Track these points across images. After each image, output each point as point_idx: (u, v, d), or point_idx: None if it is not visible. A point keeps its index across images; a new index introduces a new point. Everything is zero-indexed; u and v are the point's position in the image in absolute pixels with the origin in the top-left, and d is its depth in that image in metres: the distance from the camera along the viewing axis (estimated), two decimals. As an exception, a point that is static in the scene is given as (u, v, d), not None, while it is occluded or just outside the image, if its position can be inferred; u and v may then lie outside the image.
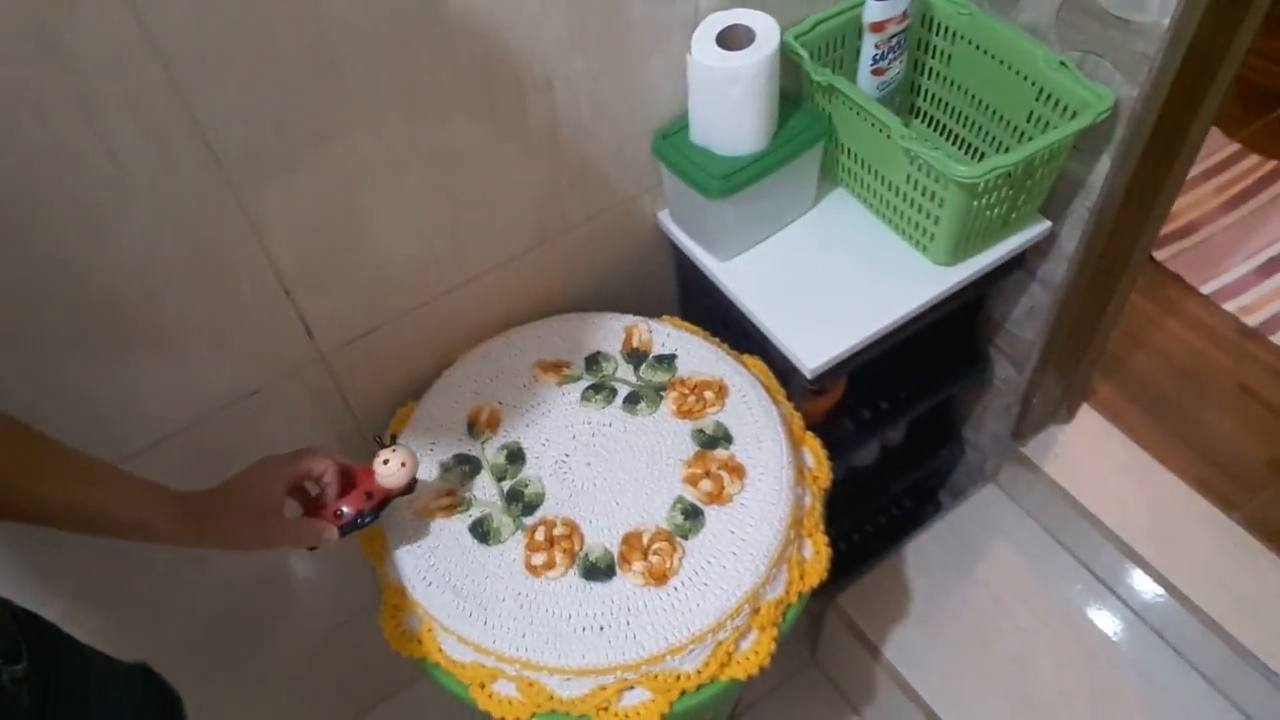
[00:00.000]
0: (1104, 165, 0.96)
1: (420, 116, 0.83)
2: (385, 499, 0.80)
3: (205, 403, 0.90)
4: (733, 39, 0.90)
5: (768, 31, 0.89)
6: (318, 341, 0.93)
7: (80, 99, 0.66)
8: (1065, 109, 0.91)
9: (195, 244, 0.79)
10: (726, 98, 0.89)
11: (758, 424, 0.92)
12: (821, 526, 0.91)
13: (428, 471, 0.91)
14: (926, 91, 1.08)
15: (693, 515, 0.86)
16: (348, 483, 0.80)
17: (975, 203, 0.91)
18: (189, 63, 0.69)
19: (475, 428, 0.94)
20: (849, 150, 1.01)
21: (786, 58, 0.94)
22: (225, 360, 0.88)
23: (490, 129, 0.88)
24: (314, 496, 0.80)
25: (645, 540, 0.84)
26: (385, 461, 0.79)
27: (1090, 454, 1.35)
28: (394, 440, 0.81)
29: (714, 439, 0.91)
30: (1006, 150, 1.00)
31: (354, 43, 0.75)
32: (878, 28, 0.95)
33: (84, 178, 0.70)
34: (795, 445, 0.93)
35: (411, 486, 0.81)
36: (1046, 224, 1.01)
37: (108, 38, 0.64)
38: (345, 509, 0.79)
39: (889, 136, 0.91)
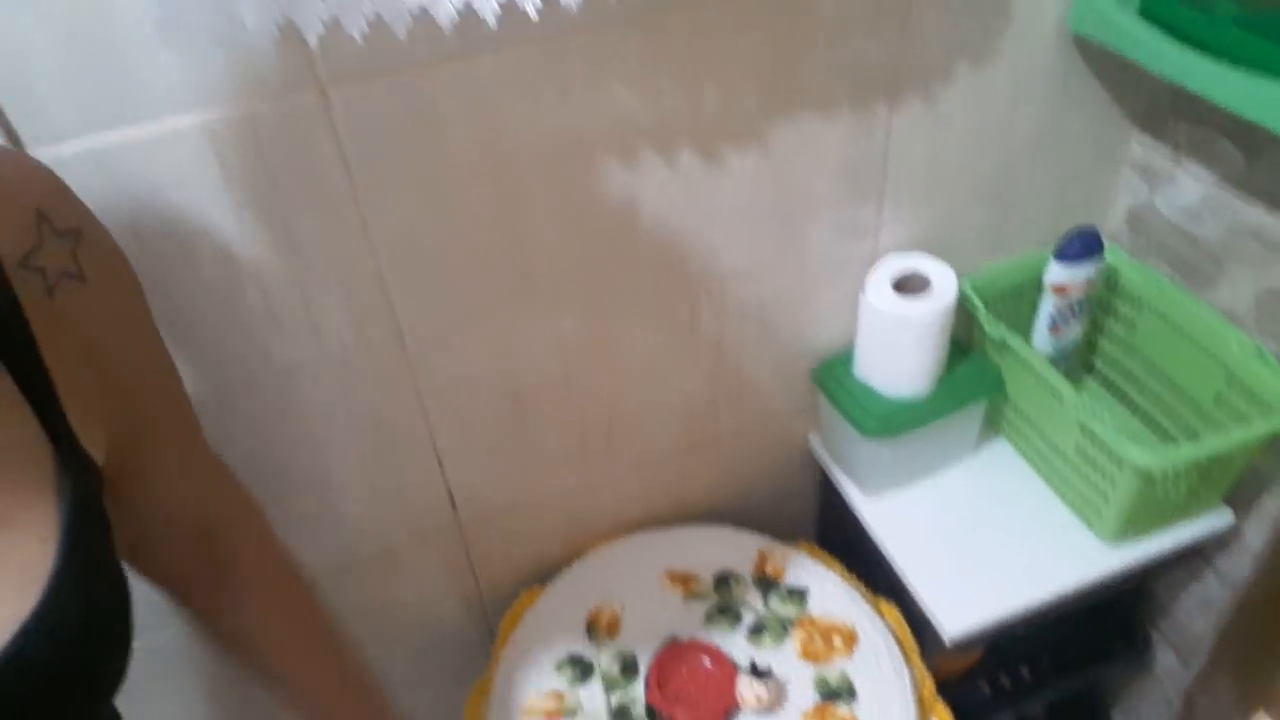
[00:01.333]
0: (1302, 464, 0.89)
1: (596, 319, 0.87)
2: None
3: (342, 555, 0.93)
4: (909, 283, 0.90)
5: (944, 282, 0.89)
6: (459, 513, 0.96)
7: (300, 280, 0.73)
8: (1258, 400, 0.86)
9: (369, 411, 0.84)
10: (895, 342, 0.89)
11: (886, 684, 0.86)
12: (943, 812, 0.83)
13: (539, 669, 0.90)
14: (1105, 352, 1.04)
15: (804, 773, 0.80)
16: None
17: (1152, 487, 0.85)
18: (398, 261, 0.75)
19: (594, 630, 0.93)
20: (1016, 406, 0.98)
21: (960, 305, 0.93)
22: (371, 519, 0.92)
23: (659, 337, 0.91)
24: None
25: (749, 791, 0.79)
26: (757, 696, 0.84)
27: (1264, 770, 1.19)
28: (769, 674, 0.85)
29: (837, 692, 0.86)
30: (1189, 430, 0.94)
31: (549, 260, 0.80)
32: (1060, 290, 0.94)
33: (288, 346, 0.76)
34: (923, 713, 0.86)
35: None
36: (1229, 516, 0.94)
37: (336, 233, 0.71)
38: None
39: (1061, 403, 0.87)
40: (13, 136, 0.60)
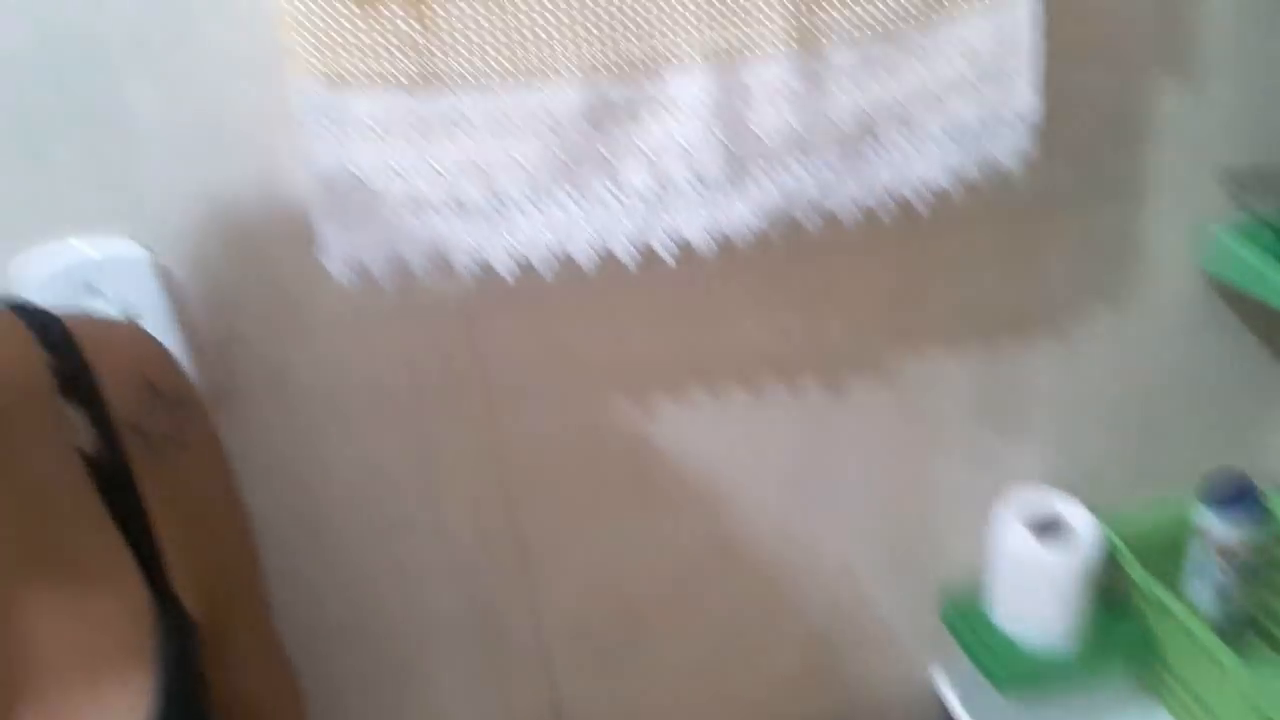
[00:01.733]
0: None
1: (715, 537, 0.86)
2: None
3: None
4: (1045, 524, 0.86)
5: (1085, 527, 0.84)
6: (563, 729, 0.93)
7: (431, 487, 0.76)
8: None
9: (483, 613, 0.84)
10: (1034, 590, 0.83)
11: None
12: None
13: None
14: (1278, 613, 0.94)
15: None
16: None
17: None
18: (523, 470, 0.78)
19: None
20: (1173, 670, 0.89)
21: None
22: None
23: (779, 558, 0.89)
24: None
25: None
26: None
27: None
28: None
29: None
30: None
31: (670, 475, 0.81)
32: (1222, 550, 0.86)
33: (410, 544, 0.79)
34: None
35: None
36: None
37: (469, 442, 0.76)
38: None
39: (1225, 674, 0.79)
40: (197, 340, 0.66)
